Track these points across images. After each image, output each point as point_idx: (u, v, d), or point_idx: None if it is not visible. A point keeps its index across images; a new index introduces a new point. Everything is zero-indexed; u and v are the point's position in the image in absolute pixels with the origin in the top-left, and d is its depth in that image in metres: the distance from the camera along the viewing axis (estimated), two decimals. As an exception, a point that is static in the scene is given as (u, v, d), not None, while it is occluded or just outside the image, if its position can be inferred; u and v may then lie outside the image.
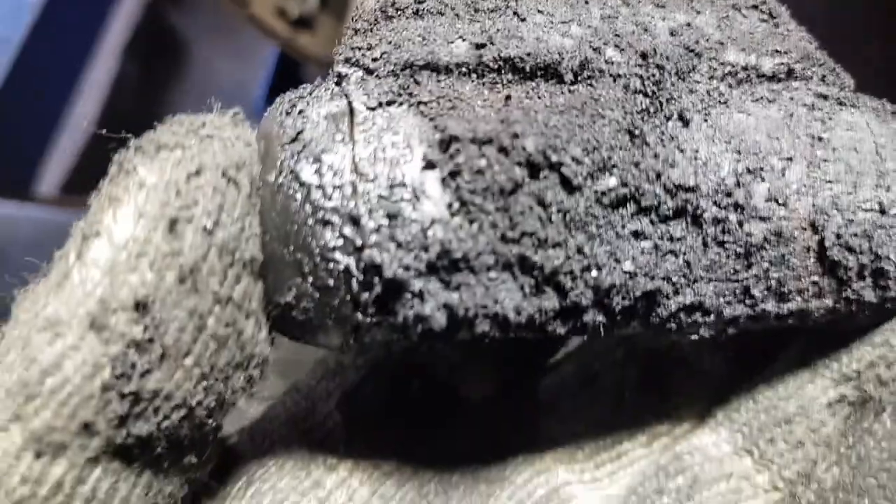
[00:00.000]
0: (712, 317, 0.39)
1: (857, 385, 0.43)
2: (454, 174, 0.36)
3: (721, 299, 0.39)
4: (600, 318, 0.38)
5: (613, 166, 0.36)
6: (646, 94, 0.38)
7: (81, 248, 0.33)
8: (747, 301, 0.39)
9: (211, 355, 0.35)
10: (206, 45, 2.98)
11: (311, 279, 0.37)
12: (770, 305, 0.40)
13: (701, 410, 0.49)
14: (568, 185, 0.36)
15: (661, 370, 0.52)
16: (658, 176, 0.37)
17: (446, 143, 0.36)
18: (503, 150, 0.36)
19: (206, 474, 0.42)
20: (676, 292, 0.38)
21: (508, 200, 0.36)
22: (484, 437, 0.52)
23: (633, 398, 0.52)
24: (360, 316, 0.37)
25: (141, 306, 0.33)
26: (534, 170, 0.36)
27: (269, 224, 0.37)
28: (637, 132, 0.37)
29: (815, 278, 0.39)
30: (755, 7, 0.46)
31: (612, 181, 0.36)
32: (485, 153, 0.36)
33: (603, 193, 0.36)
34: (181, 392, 0.35)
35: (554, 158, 0.36)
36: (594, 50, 0.39)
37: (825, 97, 0.42)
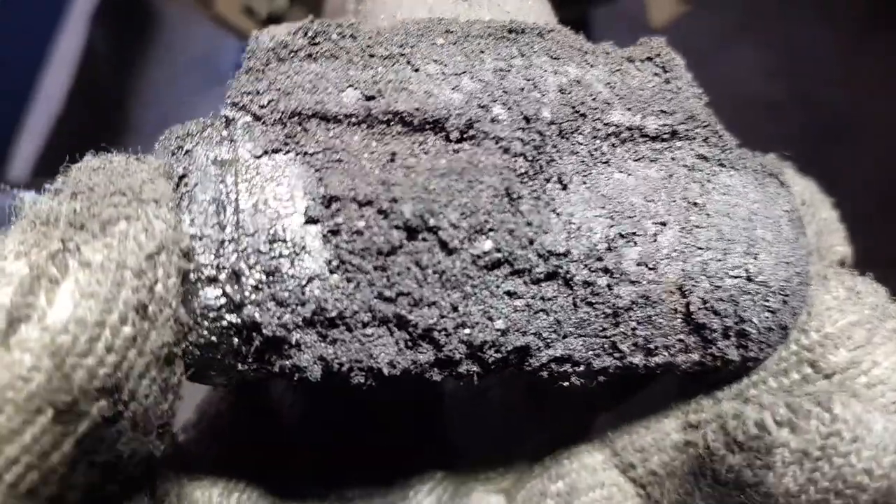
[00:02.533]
0: (582, 367, 0.41)
1: (703, 434, 0.45)
2: (334, 232, 0.36)
3: (590, 352, 0.40)
4: (475, 367, 0.40)
5: (490, 230, 0.37)
6: (526, 158, 0.39)
7: (6, 331, 0.30)
8: (615, 354, 0.41)
9: (163, 408, 0.36)
10: (176, 11, 2.91)
11: (195, 334, 0.37)
12: (637, 359, 0.41)
13: (580, 422, 0.53)
14: (445, 248, 0.37)
15: (542, 388, 0.55)
16: (531, 242, 0.38)
17: (328, 200, 0.37)
18: (382, 212, 0.37)
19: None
20: (547, 346, 0.40)
21: (387, 261, 0.37)
22: (400, 448, 0.55)
23: (519, 413, 0.55)
24: (240, 366, 0.39)
25: (107, 389, 0.32)
26: (412, 232, 0.37)
27: None
28: (514, 196, 0.38)
29: (682, 336, 0.41)
30: (649, 59, 0.45)
31: (488, 244, 0.37)
32: (364, 214, 0.36)
33: (478, 256, 0.37)
34: (145, 445, 0.36)
35: (431, 222, 0.37)
36: (481, 108, 0.39)
37: (706, 158, 0.42)
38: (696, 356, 0.42)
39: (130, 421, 0.34)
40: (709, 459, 0.43)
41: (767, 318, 0.41)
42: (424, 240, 0.37)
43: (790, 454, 0.39)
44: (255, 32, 0.43)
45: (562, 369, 0.41)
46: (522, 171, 0.39)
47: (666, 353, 0.41)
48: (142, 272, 0.33)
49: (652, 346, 0.41)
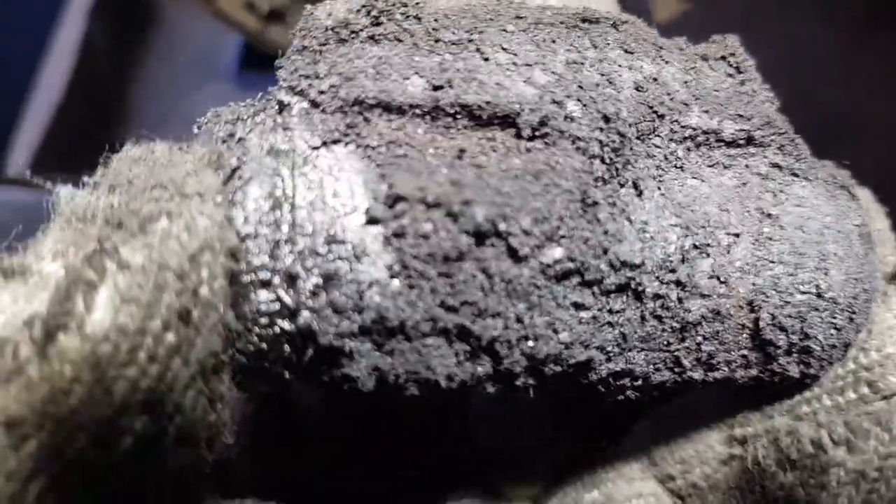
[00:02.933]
0: (640, 382, 0.40)
1: (752, 449, 0.44)
2: (398, 235, 0.34)
3: (651, 367, 0.39)
4: (531, 381, 0.38)
5: (562, 237, 0.35)
6: (603, 161, 0.37)
7: (43, 341, 0.28)
8: (676, 369, 0.39)
9: (213, 420, 0.34)
10: (176, 6, 2.90)
11: (244, 341, 0.35)
12: (697, 374, 0.40)
13: (617, 430, 0.51)
14: (514, 255, 0.35)
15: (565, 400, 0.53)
16: (605, 251, 0.36)
17: (393, 200, 0.34)
18: (452, 215, 0.34)
19: None
20: (609, 360, 0.38)
21: (452, 268, 0.34)
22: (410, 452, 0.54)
23: (548, 411, 0.53)
24: (288, 375, 0.36)
25: (150, 403, 0.30)
26: (480, 238, 0.35)
27: None
28: (590, 202, 0.36)
29: (745, 352, 0.40)
30: (723, 58, 0.44)
31: (559, 253, 0.35)
32: (432, 217, 0.34)
33: (548, 265, 0.35)
34: (191, 461, 0.34)
35: (502, 228, 0.35)
36: (555, 103, 0.37)
37: (780, 167, 0.41)
38: (754, 371, 0.41)
39: (175, 435, 0.32)
40: (758, 475, 0.42)
41: (832, 335, 0.40)
42: (493, 246, 0.35)
43: (846, 474, 0.38)
44: (310, 8, 0.40)
45: (619, 383, 0.40)
46: (599, 174, 0.36)
47: (726, 369, 0.40)
48: (185, 274, 0.31)
49: (714, 361, 0.39)
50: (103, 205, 0.32)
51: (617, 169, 0.37)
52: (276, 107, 0.37)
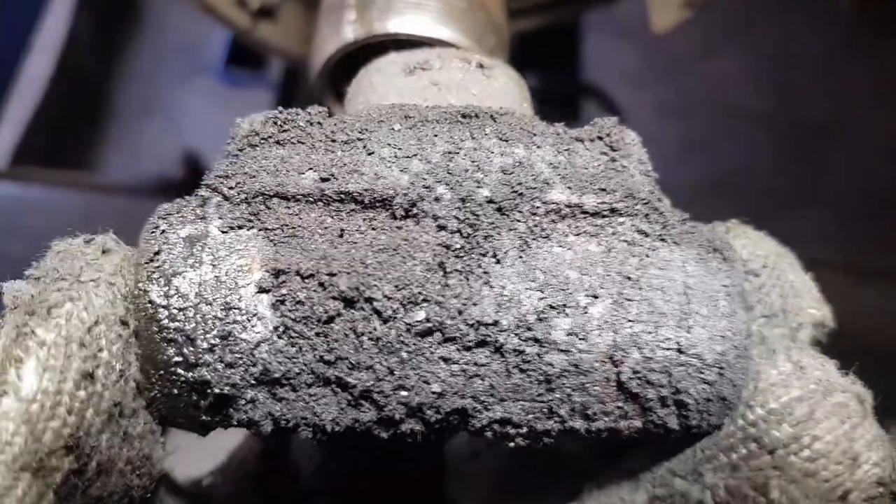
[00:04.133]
0: (524, 429, 0.43)
1: None
2: (281, 301, 0.41)
3: (530, 416, 0.43)
4: (419, 427, 0.43)
5: (424, 301, 0.41)
6: (461, 234, 0.42)
7: None
8: (555, 419, 0.43)
9: (130, 454, 0.42)
10: (161, 0, 2.88)
11: (158, 386, 0.42)
12: (578, 423, 0.43)
13: (568, 490, 0.54)
14: (380, 317, 0.41)
15: (532, 454, 0.57)
16: (460, 312, 0.41)
17: (276, 273, 0.41)
18: (322, 284, 0.41)
19: None
20: (486, 409, 0.43)
21: (326, 328, 0.41)
22: (405, 500, 0.60)
23: (511, 476, 0.58)
24: (202, 416, 0.43)
25: (71, 446, 0.38)
26: (348, 303, 0.41)
27: (138, 338, 0.42)
28: (446, 270, 0.42)
29: (619, 403, 0.43)
30: (599, 138, 0.48)
31: (421, 314, 0.41)
32: (306, 286, 0.41)
33: (412, 325, 0.41)
34: (121, 487, 0.41)
35: (367, 294, 0.41)
36: (426, 188, 0.43)
37: (646, 234, 0.45)
38: (637, 423, 0.43)
39: (95, 470, 0.39)
40: None
41: (705, 389, 0.42)
42: (362, 309, 0.41)
43: None
44: (238, 120, 0.48)
45: (504, 430, 0.43)
46: (458, 246, 0.42)
47: (606, 419, 0.43)
48: (85, 343, 0.39)
49: (590, 411, 0.43)
50: (25, 297, 0.40)
51: (477, 241, 0.42)
52: (200, 200, 0.44)
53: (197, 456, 0.53)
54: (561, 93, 2.37)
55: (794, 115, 2.77)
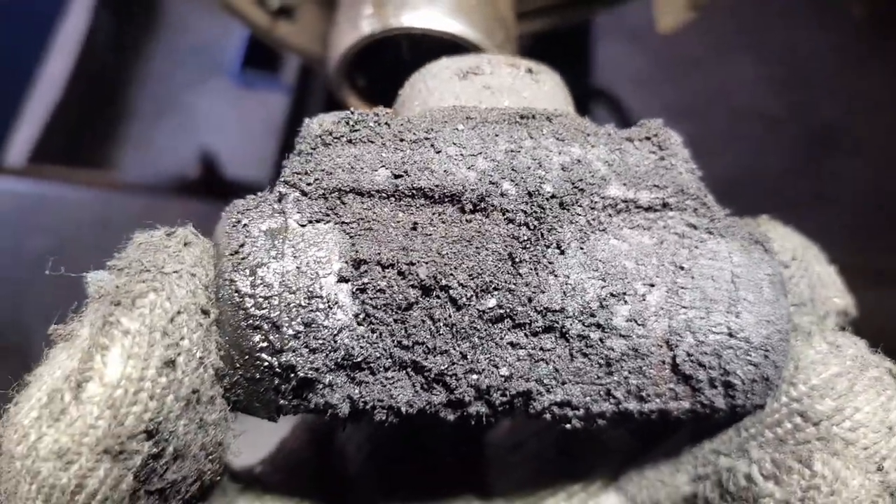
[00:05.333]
0: (581, 411, 0.46)
1: (702, 487, 0.50)
2: (362, 290, 0.44)
3: (588, 398, 0.46)
4: (484, 409, 0.46)
5: (495, 289, 0.44)
6: (528, 227, 0.45)
7: (77, 390, 0.39)
8: (611, 401, 0.46)
9: (205, 440, 0.44)
10: (180, 2, 2.91)
11: (241, 372, 0.44)
12: (632, 405, 0.46)
13: (608, 474, 0.58)
14: (455, 304, 0.44)
15: (574, 440, 0.60)
16: (530, 300, 0.44)
17: (357, 263, 0.44)
18: (401, 273, 0.44)
19: None
20: (548, 391, 0.45)
21: (405, 315, 0.44)
22: (446, 488, 0.62)
23: (551, 463, 0.61)
24: (281, 401, 0.45)
25: (151, 430, 0.40)
26: (426, 291, 0.44)
27: (220, 326, 0.44)
28: (516, 260, 0.44)
29: (671, 385, 0.46)
30: (647, 139, 0.51)
31: (492, 302, 0.44)
32: (387, 276, 0.44)
33: (484, 312, 0.44)
34: (194, 471, 0.43)
35: (443, 282, 0.44)
36: (492, 184, 0.46)
37: (695, 227, 0.48)
38: (686, 404, 0.46)
39: (172, 455, 0.41)
40: None
41: (751, 370, 0.45)
42: (437, 297, 0.44)
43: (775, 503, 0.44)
44: (307, 120, 0.50)
45: (562, 412, 0.46)
46: (525, 238, 0.45)
47: (658, 401, 0.46)
48: (167, 332, 0.41)
49: (644, 393, 0.46)
50: (110, 287, 0.42)
51: (542, 233, 0.45)
52: (278, 196, 0.47)
53: (245, 445, 0.54)
54: (572, 96, 2.38)
55: (802, 118, 2.78)
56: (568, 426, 0.47)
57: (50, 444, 0.38)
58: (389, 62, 0.84)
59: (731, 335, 0.45)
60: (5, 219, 1.89)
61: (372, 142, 0.48)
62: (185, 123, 2.75)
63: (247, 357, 0.43)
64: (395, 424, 0.46)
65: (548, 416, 0.46)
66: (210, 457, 0.45)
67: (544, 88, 0.59)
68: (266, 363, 0.43)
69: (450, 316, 0.44)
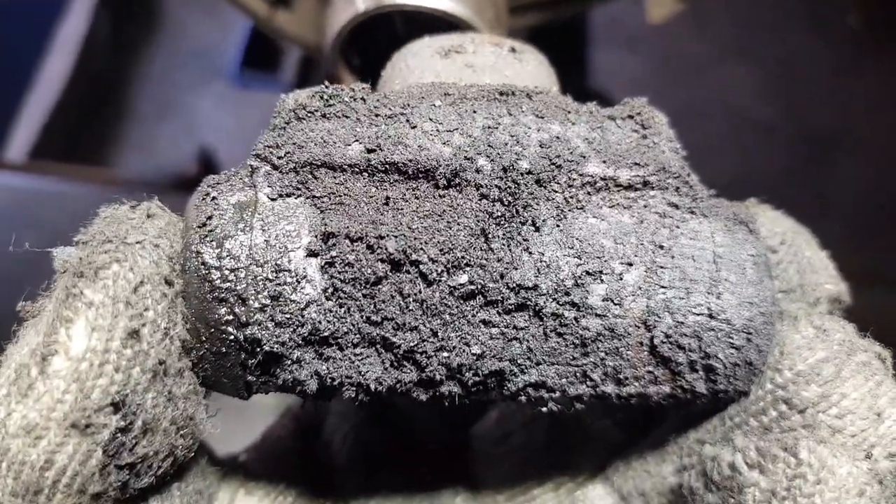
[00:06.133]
0: (557, 394, 0.45)
1: (687, 476, 0.48)
2: (330, 264, 0.43)
3: (563, 380, 0.45)
4: (456, 389, 0.45)
5: (466, 265, 0.43)
6: (503, 203, 0.44)
7: (42, 364, 0.38)
8: (588, 383, 0.45)
9: (175, 414, 0.43)
10: (180, 4, 2.92)
11: (207, 346, 0.43)
12: (609, 388, 0.45)
13: (596, 465, 0.57)
14: (425, 279, 0.43)
15: (562, 431, 0.59)
16: (501, 276, 0.43)
17: (326, 237, 0.43)
18: (370, 247, 0.43)
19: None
20: (522, 372, 0.44)
21: (373, 289, 0.43)
22: (432, 479, 0.61)
23: (539, 454, 0.60)
24: (248, 376, 0.44)
25: (118, 403, 0.39)
26: (395, 265, 0.43)
27: (186, 299, 0.43)
28: (489, 236, 0.43)
29: (650, 368, 0.44)
30: (630, 117, 0.50)
31: (464, 278, 0.43)
32: (355, 249, 0.43)
33: (455, 288, 0.43)
34: (166, 446, 0.43)
35: (413, 257, 0.42)
36: (467, 159, 0.45)
37: (677, 206, 0.46)
38: (666, 388, 0.45)
39: (141, 428, 0.40)
40: (690, 499, 0.47)
41: (733, 354, 0.44)
42: (407, 272, 0.43)
43: (760, 493, 0.42)
44: (283, 95, 0.49)
45: (538, 395, 0.45)
46: (499, 214, 0.44)
47: (637, 384, 0.45)
48: (131, 303, 0.40)
49: (622, 376, 0.44)
50: (73, 260, 0.41)
51: (517, 210, 0.44)
52: (249, 169, 0.46)
53: (229, 436, 0.54)
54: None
55: (800, 124, 2.78)
56: (544, 409, 0.46)
57: (18, 420, 0.38)
58: (385, 42, 0.84)
59: (711, 316, 0.44)
60: (2, 214, 1.89)
61: (346, 116, 0.47)
62: (183, 125, 2.75)
63: (212, 330, 0.43)
64: (367, 403, 0.45)
65: (523, 398, 0.45)
66: (181, 431, 0.44)
67: (528, 67, 0.58)
68: (232, 336, 0.42)
69: (420, 291, 0.43)
